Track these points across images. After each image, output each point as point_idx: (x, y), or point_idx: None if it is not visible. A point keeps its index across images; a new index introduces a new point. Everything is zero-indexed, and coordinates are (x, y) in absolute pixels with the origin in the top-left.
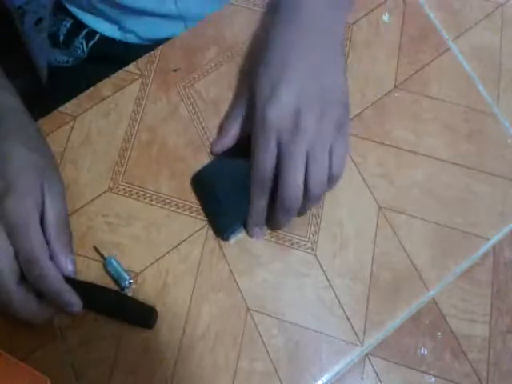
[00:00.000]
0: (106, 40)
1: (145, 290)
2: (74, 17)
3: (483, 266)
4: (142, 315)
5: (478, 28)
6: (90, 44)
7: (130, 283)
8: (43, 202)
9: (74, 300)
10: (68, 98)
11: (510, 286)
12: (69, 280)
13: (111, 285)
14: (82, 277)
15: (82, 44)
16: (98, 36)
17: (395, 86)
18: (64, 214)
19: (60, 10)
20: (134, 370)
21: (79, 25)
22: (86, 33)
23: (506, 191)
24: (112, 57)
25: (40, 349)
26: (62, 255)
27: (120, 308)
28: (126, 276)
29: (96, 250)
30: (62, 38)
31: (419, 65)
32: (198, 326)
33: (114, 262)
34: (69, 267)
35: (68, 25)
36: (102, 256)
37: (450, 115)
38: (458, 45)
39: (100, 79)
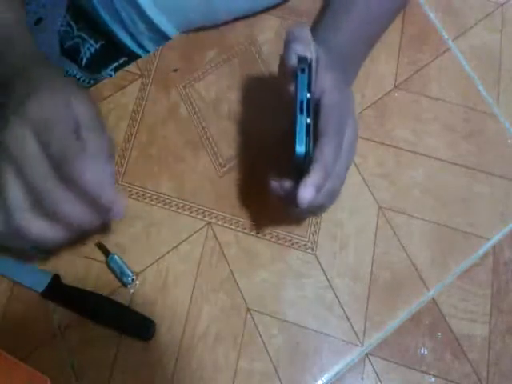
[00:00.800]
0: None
1: (145, 289)
2: (110, 37)
3: (483, 266)
4: (141, 328)
5: (478, 28)
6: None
7: (133, 279)
8: (72, 105)
9: (116, 197)
10: None
11: (510, 286)
12: (67, 287)
13: (114, 282)
14: (82, 277)
15: (110, 76)
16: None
17: (395, 86)
18: (96, 116)
19: (84, 27)
20: (134, 370)
21: (109, 52)
22: (118, 66)
23: (506, 191)
24: None
25: (40, 349)
26: (100, 156)
27: (119, 320)
28: (129, 272)
29: (100, 246)
30: (84, 60)
31: (419, 65)
32: (198, 326)
33: (117, 259)
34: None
35: (93, 49)
36: (106, 253)
37: (450, 115)
38: (457, 45)
39: None
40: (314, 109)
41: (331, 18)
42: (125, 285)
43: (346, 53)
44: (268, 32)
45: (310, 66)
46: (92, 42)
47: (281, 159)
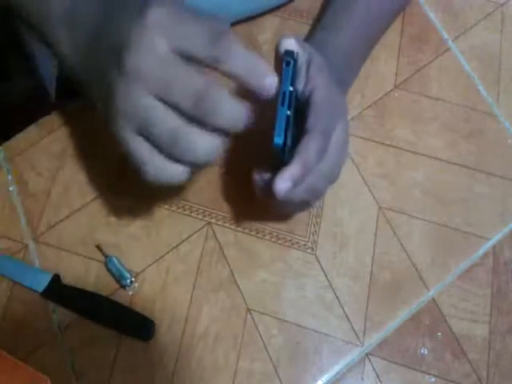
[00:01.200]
0: None
1: (145, 289)
2: None
3: (483, 266)
4: (141, 328)
5: (478, 28)
6: None
7: (132, 282)
8: None
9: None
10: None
11: (510, 286)
12: (67, 287)
13: (113, 283)
14: (82, 277)
15: None
16: None
17: (395, 86)
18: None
19: None
20: (134, 370)
21: None
22: None
23: (506, 191)
24: None
25: (40, 349)
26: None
27: (118, 320)
28: (127, 275)
29: (98, 248)
30: None
31: (419, 65)
32: (198, 326)
33: (115, 261)
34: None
35: None
36: (104, 254)
37: (450, 115)
38: (457, 45)
39: None
40: (302, 107)
41: (331, 18)
42: (123, 287)
43: (346, 54)
44: (268, 32)
45: (295, 60)
46: None
47: (266, 153)
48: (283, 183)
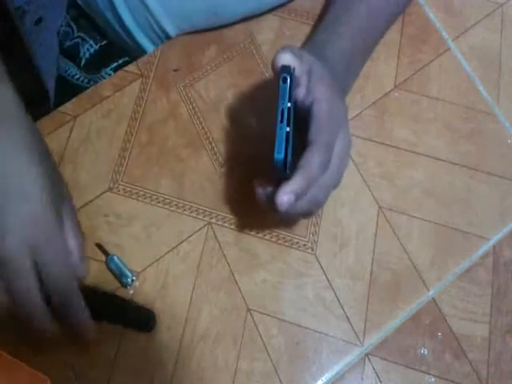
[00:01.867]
0: None
1: (145, 289)
2: (110, 38)
3: (483, 266)
4: (142, 320)
5: (478, 28)
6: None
7: (133, 280)
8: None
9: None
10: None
11: (510, 286)
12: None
13: (113, 282)
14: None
15: (109, 75)
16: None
17: (395, 86)
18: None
19: (84, 27)
20: (134, 370)
21: (109, 52)
22: (117, 66)
23: (506, 191)
24: None
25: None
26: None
27: (118, 312)
28: (128, 273)
29: (99, 246)
30: (83, 61)
31: (419, 65)
32: (198, 326)
33: (116, 260)
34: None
35: (92, 50)
36: (105, 253)
37: (450, 115)
38: (458, 45)
39: None
40: (304, 117)
41: (331, 21)
42: (124, 286)
43: (346, 57)
44: (268, 32)
45: (291, 75)
46: (92, 42)
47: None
48: (285, 197)
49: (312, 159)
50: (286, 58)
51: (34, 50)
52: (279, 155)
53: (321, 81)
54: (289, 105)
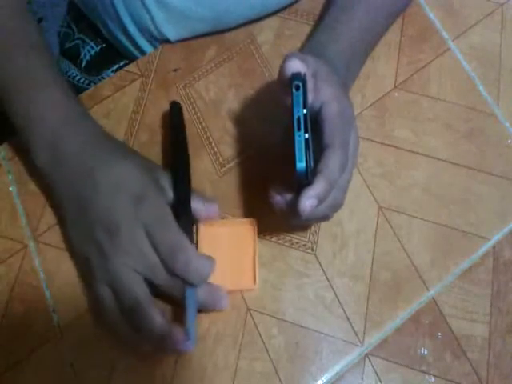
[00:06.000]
0: None
1: None
2: (110, 41)
3: (483, 266)
4: None
5: (478, 28)
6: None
7: None
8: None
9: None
10: None
11: (510, 286)
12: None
13: None
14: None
15: (111, 75)
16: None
17: (395, 86)
18: None
19: (85, 29)
20: (134, 370)
21: (110, 54)
22: (119, 68)
23: (506, 191)
24: None
25: (40, 349)
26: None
27: None
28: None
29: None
30: (84, 62)
31: (419, 65)
32: (198, 326)
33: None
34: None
35: (93, 52)
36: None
37: (450, 115)
38: (458, 45)
39: None
40: (314, 120)
41: (331, 21)
42: None
43: (345, 57)
44: (268, 32)
45: (304, 81)
46: (92, 44)
47: (282, 172)
48: (309, 203)
49: (331, 162)
50: (296, 65)
51: None
52: (301, 164)
53: (327, 82)
54: (304, 111)
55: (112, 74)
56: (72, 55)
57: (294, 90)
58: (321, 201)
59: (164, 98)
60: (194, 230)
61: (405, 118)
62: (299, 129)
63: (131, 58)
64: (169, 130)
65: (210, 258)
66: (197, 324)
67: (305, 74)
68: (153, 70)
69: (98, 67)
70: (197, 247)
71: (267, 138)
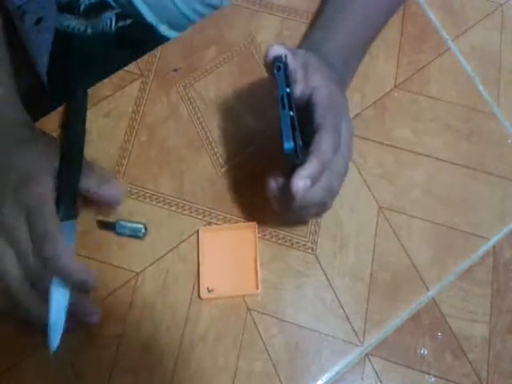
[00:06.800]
0: (137, 26)
1: (145, 289)
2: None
3: (483, 266)
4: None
5: (478, 28)
6: (120, 24)
7: (146, 229)
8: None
9: (87, 277)
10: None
11: (510, 286)
12: None
13: (113, 283)
14: None
15: (110, 20)
16: (130, 21)
17: (395, 86)
18: None
19: None
20: (134, 370)
21: (108, 3)
22: (118, 13)
23: (506, 191)
24: (139, 43)
25: (40, 349)
26: None
27: None
28: (138, 226)
29: (101, 223)
30: (82, 7)
31: (419, 65)
32: (198, 326)
33: (122, 223)
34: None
35: (93, 0)
36: (110, 225)
37: (450, 115)
38: (458, 45)
39: (119, 67)
40: (306, 106)
41: (327, 18)
42: (141, 238)
43: (342, 53)
44: (267, 31)
45: (285, 63)
46: None
47: (276, 160)
48: (301, 182)
49: (323, 142)
50: (277, 49)
51: (34, 50)
52: (288, 142)
53: (317, 70)
54: (287, 90)
55: (113, 16)
56: (70, 7)
57: (275, 71)
58: (313, 181)
59: (164, 98)
60: (194, 232)
61: (405, 118)
62: (283, 107)
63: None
64: (68, 115)
65: (85, 268)
66: (62, 326)
67: (286, 56)
68: (153, 70)
69: (97, 11)
70: (197, 253)
71: (267, 138)
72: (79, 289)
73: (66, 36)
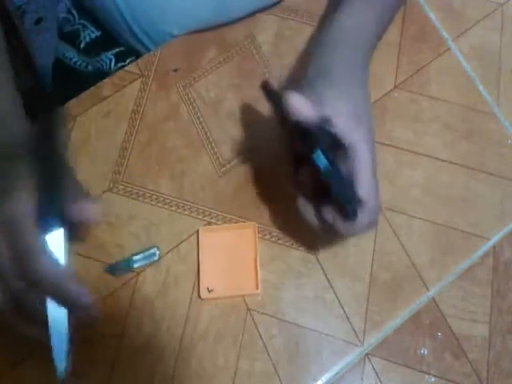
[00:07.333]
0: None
1: (145, 289)
2: (104, 30)
3: (483, 266)
4: None
5: (478, 28)
6: (120, 65)
7: (158, 248)
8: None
9: (78, 289)
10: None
11: (510, 286)
12: None
13: (113, 283)
14: (82, 277)
15: (110, 60)
16: (129, 60)
17: (395, 86)
18: None
19: (85, 15)
20: (134, 370)
21: (111, 40)
22: (119, 52)
23: (506, 191)
24: None
25: (40, 349)
26: None
27: None
28: (151, 251)
29: (113, 268)
30: (83, 44)
31: (419, 65)
32: (198, 326)
33: (135, 257)
34: None
35: (93, 35)
36: (123, 266)
37: (450, 115)
38: (458, 45)
39: None
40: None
41: (347, 3)
42: (156, 261)
43: (363, 31)
44: (268, 32)
45: (317, 140)
46: (93, 28)
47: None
48: (352, 230)
49: (363, 218)
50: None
51: (34, 50)
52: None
53: (339, 115)
54: (326, 162)
55: (112, 57)
56: (71, 38)
57: (315, 157)
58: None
59: (164, 98)
60: (194, 232)
61: (405, 118)
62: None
63: (131, 48)
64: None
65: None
66: (65, 348)
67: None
68: (153, 70)
69: (97, 49)
70: (197, 253)
71: (267, 138)
72: (70, 307)
73: (66, 67)
